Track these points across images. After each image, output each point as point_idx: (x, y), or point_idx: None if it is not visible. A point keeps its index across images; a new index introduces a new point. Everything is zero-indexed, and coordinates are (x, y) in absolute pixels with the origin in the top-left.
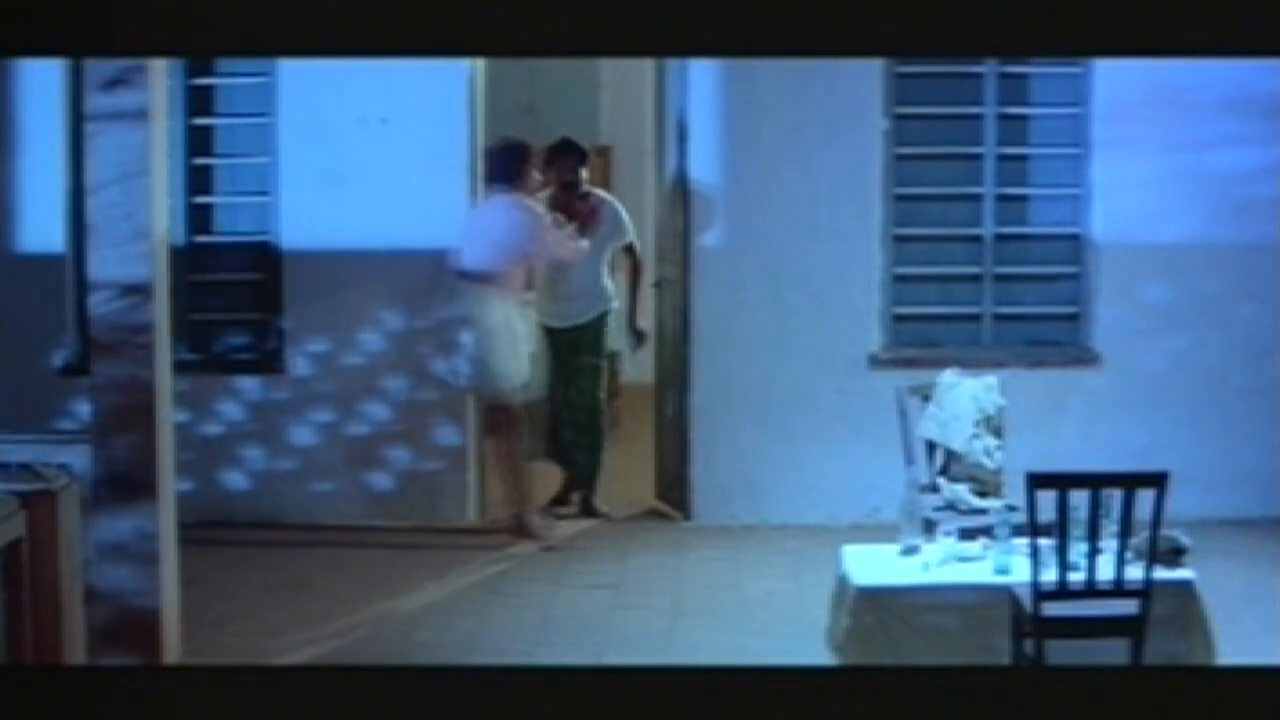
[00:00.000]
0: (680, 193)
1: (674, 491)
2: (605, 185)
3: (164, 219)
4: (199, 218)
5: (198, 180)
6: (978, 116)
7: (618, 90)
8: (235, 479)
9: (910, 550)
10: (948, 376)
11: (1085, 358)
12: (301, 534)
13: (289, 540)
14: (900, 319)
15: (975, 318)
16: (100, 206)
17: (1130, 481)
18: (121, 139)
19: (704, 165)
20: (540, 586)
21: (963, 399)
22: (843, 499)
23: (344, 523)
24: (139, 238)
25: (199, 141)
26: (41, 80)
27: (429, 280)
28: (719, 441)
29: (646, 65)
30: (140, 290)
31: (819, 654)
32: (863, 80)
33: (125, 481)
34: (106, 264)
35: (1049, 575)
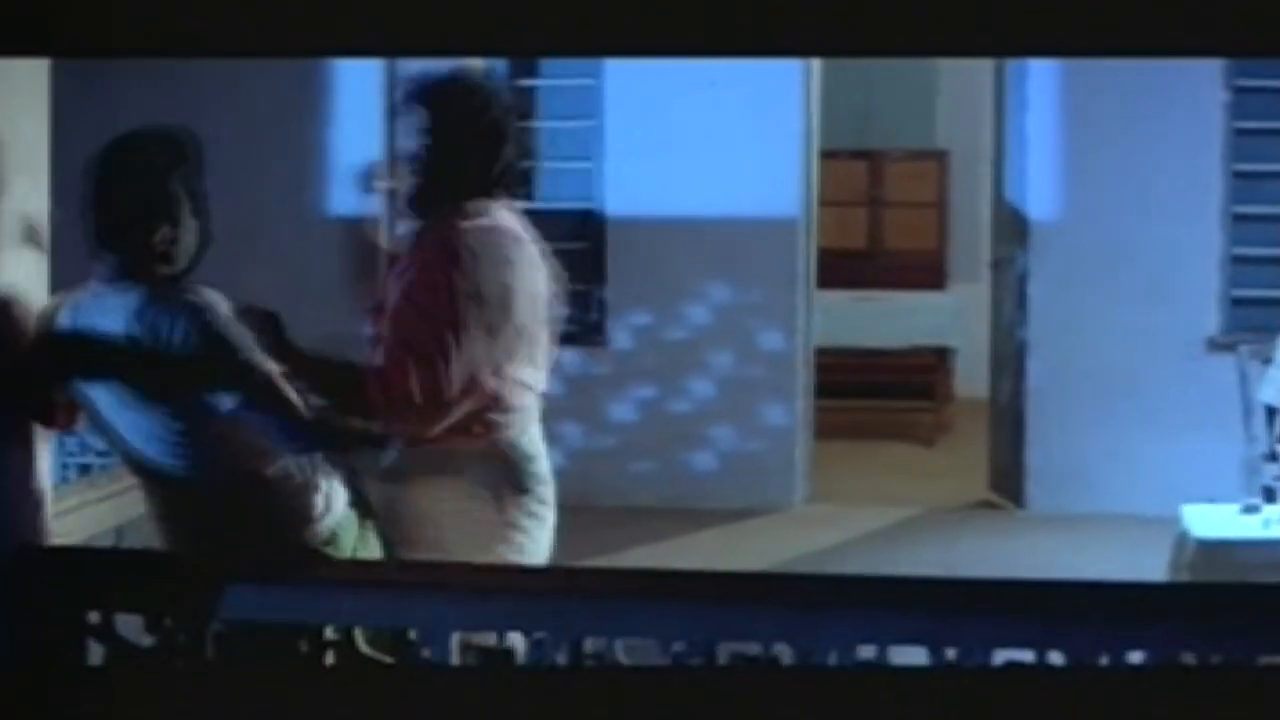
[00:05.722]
0: (1019, 166)
1: (1007, 480)
2: (941, 191)
3: None
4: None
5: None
6: None
7: (955, 94)
8: (551, 456)
9: (1251, 509)
10: None
11: None
12: (620, 516)
13: (605, 522)
14: (1238, 302)
15: None
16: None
17: None
18: None
19: (1041, 139)
20: (862, 567)
21: None
22: (1178, 489)
23: (663, 505)
24: None
25: (517, 105)
26: None
27: (758, 251)
28: (1054, 427)
29: (985, 66)
30: None
31: None
32: None
33: None
34: None
35: None
